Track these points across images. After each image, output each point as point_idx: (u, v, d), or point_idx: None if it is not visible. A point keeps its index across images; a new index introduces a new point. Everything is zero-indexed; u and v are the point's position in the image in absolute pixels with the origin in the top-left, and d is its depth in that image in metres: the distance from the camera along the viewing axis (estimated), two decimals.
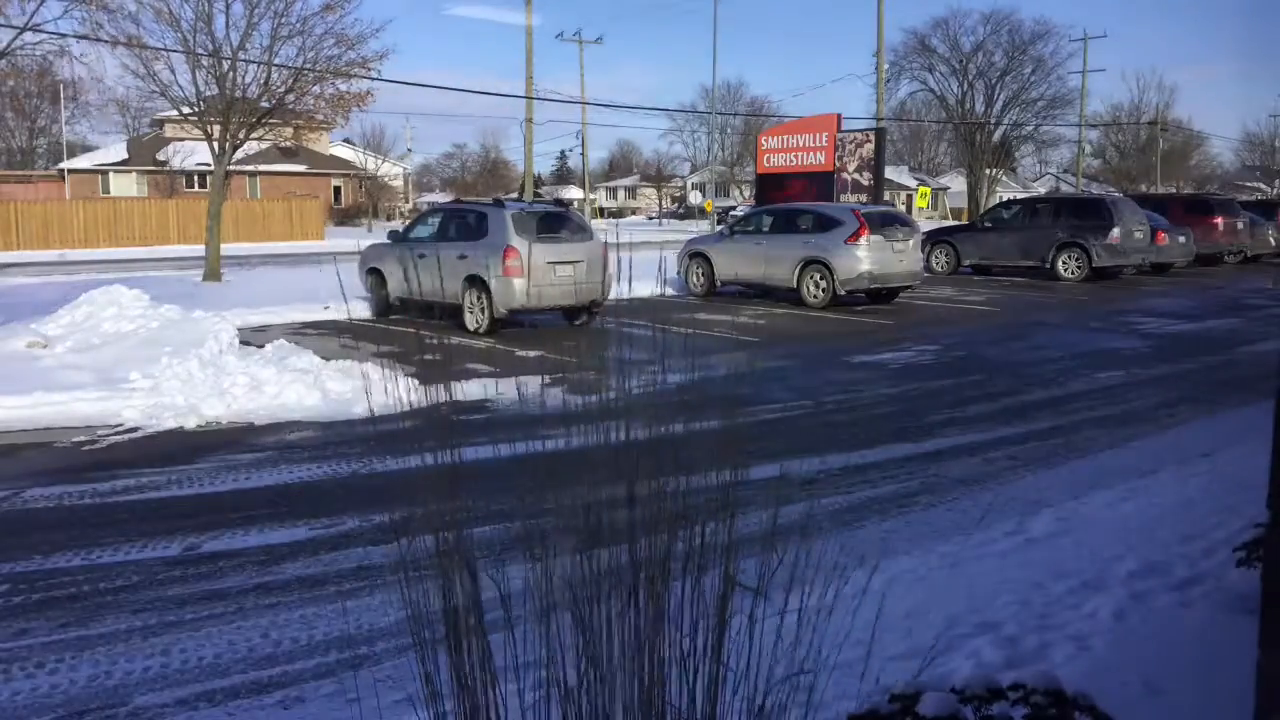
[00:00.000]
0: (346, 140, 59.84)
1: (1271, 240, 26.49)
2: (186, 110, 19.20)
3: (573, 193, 69.58)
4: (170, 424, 7.61)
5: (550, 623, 1.94)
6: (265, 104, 18.39)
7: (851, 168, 23.75)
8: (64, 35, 15.72)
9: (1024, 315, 15.12)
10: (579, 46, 47.39)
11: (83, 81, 17.47)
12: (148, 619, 4.12)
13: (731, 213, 17.73)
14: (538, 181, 53.16)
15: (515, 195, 35.81)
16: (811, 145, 24.49)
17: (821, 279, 15.28)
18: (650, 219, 73.92)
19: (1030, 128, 54.15)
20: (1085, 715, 2.01)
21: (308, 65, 17.98)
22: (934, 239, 23.24)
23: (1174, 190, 50.70)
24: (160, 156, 47.39)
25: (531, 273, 12.18)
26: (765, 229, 16.84)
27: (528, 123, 32.63)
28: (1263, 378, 9.36)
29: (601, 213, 75.49)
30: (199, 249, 21.79)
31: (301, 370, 8.61)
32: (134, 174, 48.55)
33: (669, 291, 17.39)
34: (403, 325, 13.62)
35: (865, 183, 23.61)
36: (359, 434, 7.28)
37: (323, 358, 9.15)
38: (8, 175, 48.83)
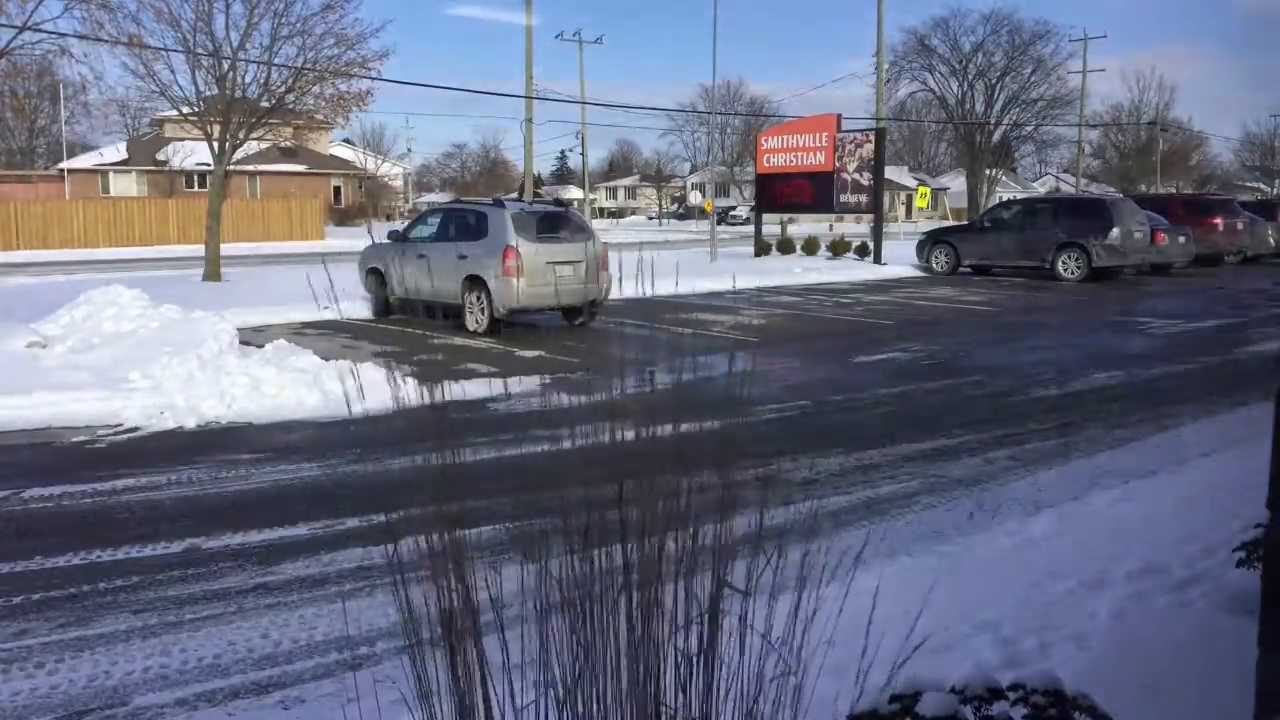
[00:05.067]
0: (346, 140, 59.91)
1: (1271, 240, 26.48)
2: (186, 110, 19.22)
3: (573, 193, 69.58)
4: (170, 424, 7.61)
5: (545, 624, 1.94)
6: (265, 104, 18.40)
7: (851, 168, 23.75)
8: (64, 35, 15.70)
9: (1024, 315, 15.13)
10: (579, 46, 47.40)
11: (84, 80, 17.40)
12: (148, 619, 4.12)
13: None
14: (538, 181, 53.15)
15: (515, 195, 35.81)
16: (811, 145, 24.48)
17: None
18: (650, 219, 73.95)
19: (1030, 128, 54.20)
20: (1085, 715, 2.01)
21: (308, 65, 18.00)
22: (934, 239, 23.28)
23: (1174, 190, 50.70)
24: (160, 156, 47.40)
25: (531, 273, 12.19)
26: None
27: (528, 123, 32.60)
28: (1262, 378, 9.36)
29: (601, 213, 75.53)
30: (199, 249, 21.80)
31: (301, 370, 8.61)
32: (134, 174, 48.56)
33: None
34: (403, 325, 13.62)
35: (865, 183, 23.61)
36: (359, 434, 7.28)
37: (323, 358, 9.15)
38: (8, 175, 48.82)
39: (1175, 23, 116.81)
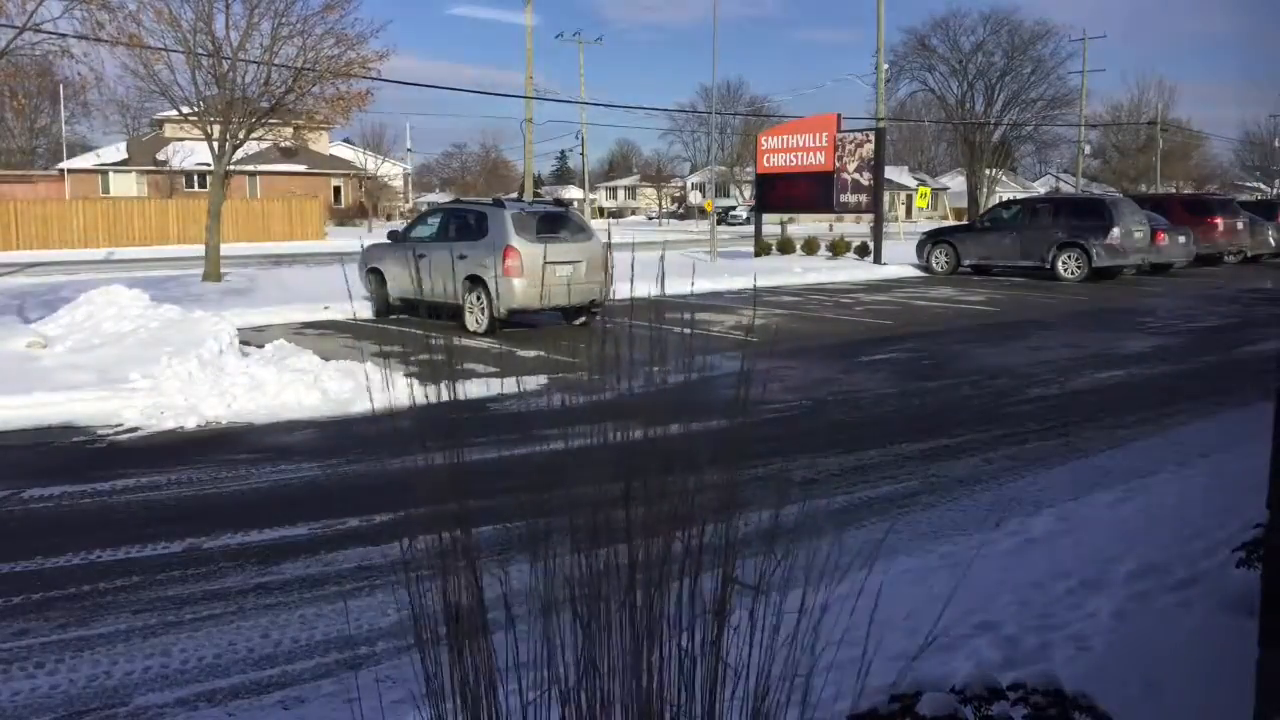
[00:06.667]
0: (346, 140, 59.88)
1: (1271, 240, 26.49)
2: (186, 110, 19.21)
3: (573, 193, 69.56)
4: (170, 424, 7.61)
5: (550, 622, 1.94)
6: (265, 104, 18.39)
7: (851, 168, 23.73)
8: (64, 35, 15.69)
9: (1024, 315, 15.12)
10: (579, 46, 47.43)
11: (83, 80, 17.39)
12: (148, 619, 4.12)
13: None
14: (538, 181, 53.14)
15: (515, 195, 35.83)
16: (811, 145, 24.47)
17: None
18: (650, 219, 73.94)
19: (1030, 128, 54.21)
20: (1085, 715, 2.01)
21: (308, 65, 17.98)
22: (934, 239, 23.27)
23: (1174, 190, 50.69)
24: (160, 156, 47.41)
25: (531, 273, 12.19)
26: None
27: (528, 123, 32.61)
28: (1262, 378, 9.35)
29: (601, 213, 75.49)
30: (199, 249, 21.79)
31: (301, 370, 8.61)
32: (134, 174, 48.55)
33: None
34: (403, 325, 13.61)
35: (865, 183, 23.60)
36: (359, 434, 7.28)
37: (323, 358, 9.15)
38: (8, 175, 48.74)
39: (1177, 22, 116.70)
